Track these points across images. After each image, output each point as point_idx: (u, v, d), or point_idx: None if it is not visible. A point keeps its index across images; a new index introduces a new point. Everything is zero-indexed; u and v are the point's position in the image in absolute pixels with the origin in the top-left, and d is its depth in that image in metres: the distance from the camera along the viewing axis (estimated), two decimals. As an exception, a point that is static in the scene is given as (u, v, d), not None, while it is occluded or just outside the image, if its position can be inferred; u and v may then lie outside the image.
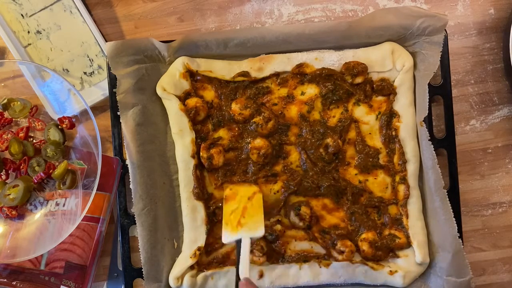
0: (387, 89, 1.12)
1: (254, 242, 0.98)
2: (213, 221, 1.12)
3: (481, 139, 1.19)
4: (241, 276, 0.91)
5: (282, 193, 1.12)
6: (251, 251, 1.08)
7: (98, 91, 1.17)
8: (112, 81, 1.12)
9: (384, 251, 1.10)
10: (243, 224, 1.00)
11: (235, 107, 1.12)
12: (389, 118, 1.12)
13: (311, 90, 1.14)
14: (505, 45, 1.14)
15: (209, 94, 1.14)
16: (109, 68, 1.11)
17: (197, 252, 1.09)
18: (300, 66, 1.12)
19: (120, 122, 1.10)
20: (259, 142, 1.11)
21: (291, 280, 1.10)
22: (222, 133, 1.13)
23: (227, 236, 1.01)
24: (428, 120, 1.12)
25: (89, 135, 1.14)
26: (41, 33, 1.17)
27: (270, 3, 1.21)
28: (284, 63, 1.13)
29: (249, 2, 1.21)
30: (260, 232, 1.00)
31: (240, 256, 0.95)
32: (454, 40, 1.19)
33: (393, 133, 1.12)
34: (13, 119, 1.17)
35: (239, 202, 1.03)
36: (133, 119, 1.09)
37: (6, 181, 1.15)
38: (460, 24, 1.20)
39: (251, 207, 1.02)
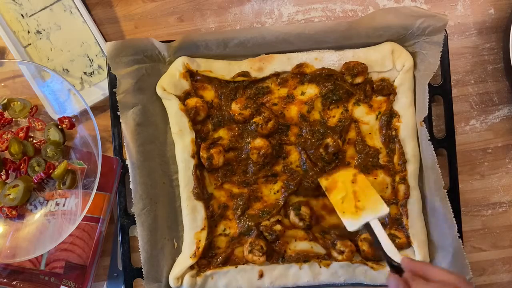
0: (387, 89, 1.12)
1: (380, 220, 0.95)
2: (213, 221, 1.12)
3: (481, 139, 1.19)
4: (395, 257, 0.89)
5: (282, 193, 1.12)
6: (251, 251, 1.08)
7: (98, 91, 1.17)
8: (112, 81, 1.12)
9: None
10: (363, 208, 0.96)
11: (235, 107, 1.12)
12: (389, 118, 1.12)
13: (311, 90, 1.14)
14: (505, 45, 1.14)
15: (209, 94, 1.14)
16: (109, 68, 1.11)
17: (197, 252, 1.09)
18: (300, 66, 1.12)
19: (120, 122, 1.10)
20: (259, 142, 1.11)
21: (291, 280, 1.10)
22: (222, 133, 1.13)
23: (351, 224, 0.97)
24: (428, 120, 1.12)
25: (89, 135, 1.14)
26: (41, 33, 1.17)
27: (270, 3, 1.21)
28: (284, 63, 1.13)
29: (249, 2, 1.21)
30: (384, 209, 0.95)
31: (380, 239, 0.91)
32: (454, 40, 1.19)
33: (393, 133, 1.12)
34: (13, 119, 1.17)
35: (345, 188, 0.99)
36: (133, 119, 1.09)
37: (6, 181, 1.15)
38: (460, 24, 1.20)
39: (360, 189, 0.98)
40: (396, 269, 0.87)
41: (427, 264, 0.87)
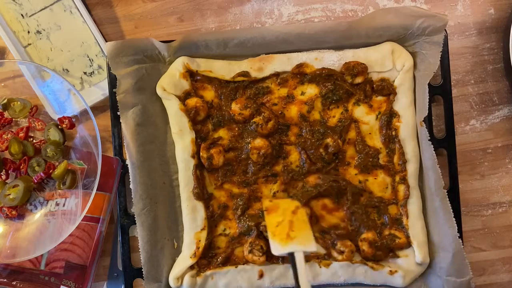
0: (387, 89, 1.12)
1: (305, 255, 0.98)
2: (213, 221, 1.12)
3: (481, 139, 1.19)
4: None
5: (282, 193, 1.12)
6: (251, 251, 1.08)
7: (98, 91, 1.17)
8: (112, 81, 1.12)
9: (384, 251, 1.10)
10: (293, 238, 0.98)
11: (235, 107, 1.12)
12: (389, 118, 1.12)
13: (311, 90, 1.14)
14: (505, 45, 1.14)
15: (209, 94, 1.14)
16: (109, 68, 1.11)
17: (197, 252, 1.09)
18: (300, 66, 1.12)
19: (120, 122, 1.10)
20: (259, 142, 1.11)
21: (291, 280, 1.10)
22: (222, 133, 1.13)
23: (277, 248, 0.98)
24: (428, 120, 1.12)
25: (89, 135, 1.14)
26: (41, 33, 1.17)
27: (270, 3, 1.21)
28: (284, 63, 1.13)
29: (249, 2, 1.21)
30: (312, 247, 0.98)
31: (298, 271, 0.94)
32: (454, 40, 1.19)
33: (393, 133, 1.12)
34: (13, 119, 1.18)
35: (283, 215, 1.02)
36: (133, 119, 1.09)
37: (6, 181, 1.15)
38: (460, 24, 1.20)
39: (297, 221, 1.01)
40: None
41: None
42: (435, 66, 1.08)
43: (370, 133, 1.13)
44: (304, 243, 0.98)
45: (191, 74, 1.13)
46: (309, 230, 1.01)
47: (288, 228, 0.99)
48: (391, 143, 1.12)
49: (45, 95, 1.16)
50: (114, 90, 1.09)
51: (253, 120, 1.12)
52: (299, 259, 0.95)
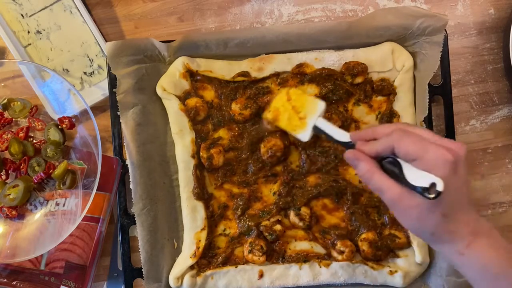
0: (387, 89, 1.12)
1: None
2: (213, 221, 1.12)
3: (481, 139, 1.19)
4: (346, 139, 0.91)
5: (282, 193, 1.12)
6: (251, 251, 1.08)
7: (98, 91, 1.17)
8: (112, 81, 1.12)
9: (384, 251, 1.09)
10: (304, 116, 1.01)
11: (235, 107, 1.12)
12: (389, 118, 1.12)
13: (311, 90, 1.14)
14: (505, 45, 1.14)
15: (209, 94, 1.14)
16: (109, 68, 1.11)
17: (197, 252, 1.09)
18: (300, 66, 1.12)
19: (120, 122, 1.10)
20: (271, 140, 1.10)
21: (291, 280, 1.10)
22: (222, 133, 1.13)
23: (303, 135, 1.01)
24: (428, 120, 1.12)
25: (89, 135, 1.14)
26: (41, 33, 1.17)
27: (270, 3, 1.21)
28: (284, 63, 1.13)
29: (249, 2, 1.21)
30: (321, 105, 1.00)
31: (328, 131, 0.96)
32: (454, 40, 1.19)
33: (393, 133, 1.12)
34: (13, 119, 1.17)
35: (285, 110, 1.03)
36: (133, 119, 1.09)
37: (6, 181, 1.15)
38: (460, 24, 1.20)
39: (296, 101, 1.03)
40: (352, 146, 0.91)
41: (372, 128, 0.88)
42: (435, 66, 1.08)
43: (370, 133, 1.13)
44: (313, 110, 1.00)
45: (191, 74, 1.13)
46: (308, 97, 1.03)
47: (295, 114, 1.02)
48: (391, 143, 1.12)
49: (45, 95, 1.15)
50: (114, 90, 1.09)
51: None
52: (321, 123, 0.98)
